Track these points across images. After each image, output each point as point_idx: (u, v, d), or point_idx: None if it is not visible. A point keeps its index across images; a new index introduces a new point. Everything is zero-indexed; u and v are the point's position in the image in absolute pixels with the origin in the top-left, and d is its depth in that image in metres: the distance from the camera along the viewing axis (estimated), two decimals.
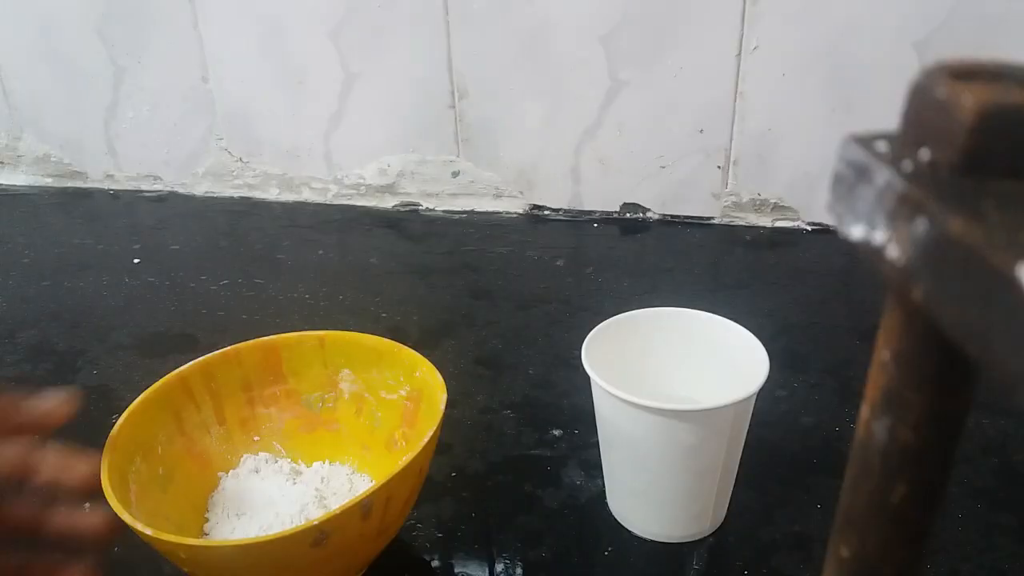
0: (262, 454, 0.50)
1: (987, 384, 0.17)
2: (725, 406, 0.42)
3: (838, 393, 0.58)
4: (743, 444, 0.46)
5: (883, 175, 0.16)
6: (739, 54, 0.77)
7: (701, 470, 0.44)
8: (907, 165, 0.16)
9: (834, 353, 0.63)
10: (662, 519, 0.47)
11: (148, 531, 0.37)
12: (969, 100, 0.15)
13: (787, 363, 0.62)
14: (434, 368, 0.46)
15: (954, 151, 0.16)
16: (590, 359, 0.45)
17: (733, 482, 0.47)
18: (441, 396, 0.44)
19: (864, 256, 0.17)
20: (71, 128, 0.97)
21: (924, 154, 0.16)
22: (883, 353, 0.18)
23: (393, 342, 0.49)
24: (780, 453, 0.53)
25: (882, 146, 0.17)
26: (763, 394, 0.58)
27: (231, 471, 0.49)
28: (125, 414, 0.43)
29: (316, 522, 0.36)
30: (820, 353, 0.63)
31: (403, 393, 0.49)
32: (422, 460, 0.41)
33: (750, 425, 0.51)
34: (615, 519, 0.48)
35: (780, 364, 0.62)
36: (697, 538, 0.47)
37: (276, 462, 0.50)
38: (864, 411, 0.19)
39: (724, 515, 0.48)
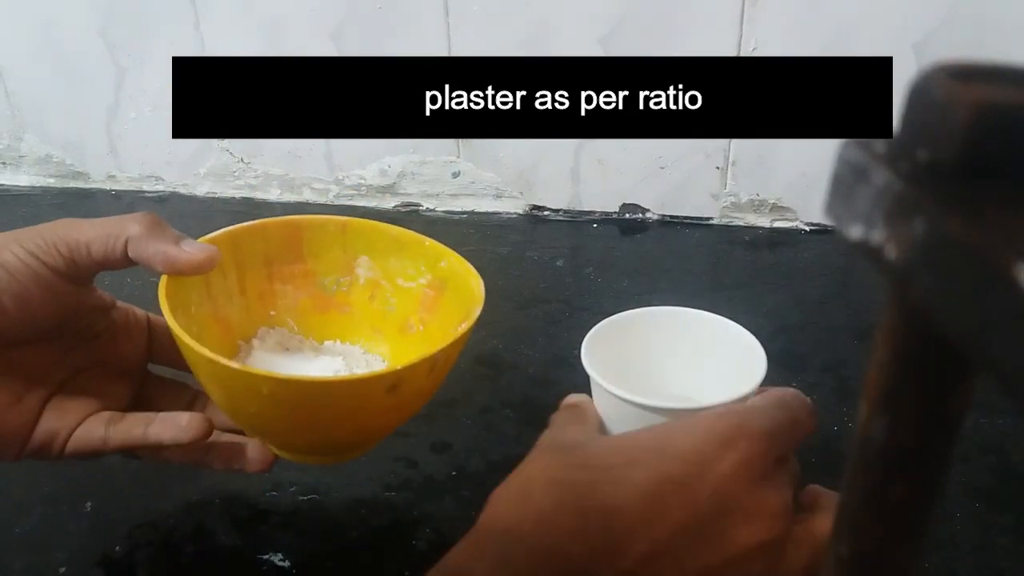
0: (278, 328, 0.51)
1: (986, 384, 0.17)
2: (723, 404, 0.42)
3: (836, 393, 0.58)
4: None
5: (881, 175, 0.16)
6: (738, 55, 0.77)
7: None
8: (905, 165, 0.16)
9: (832, 353, 0.63)
10: None
11: (235, 364, 0.38)
12: (967, 100, 0.15)
13: (785, 363, 0.62)
14: (464, 260, 0.48)
15: (952, 151, 0.16)
16: (590, 358, 0.45)
17: None
18: (476, 283, 0.46)
19: (862, 256, 0.17)
20: (73, 129, 0.97)
21: (922, 154, 0.16)
22: (881, 353, 0.19)
23: (419, 235, 0.50)
24: None
25: (880, 146, 0.17)
26: None
27: (251, 340, 0.49)
28: (162, 279, 0.43)
29: (397, 368, 0.39)
30: (818, 353, 0.63)
31: (423, 282, 0.50)
32: (467, 333, 0.44)
33: None
34: None
35: (778, 364, 0.62)
36: None
37: (294, 337, 0.51)
38: (862, 411, 0.19)
39: None
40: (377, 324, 0.52)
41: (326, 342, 0.51)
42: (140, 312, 0.48)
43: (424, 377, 0.42)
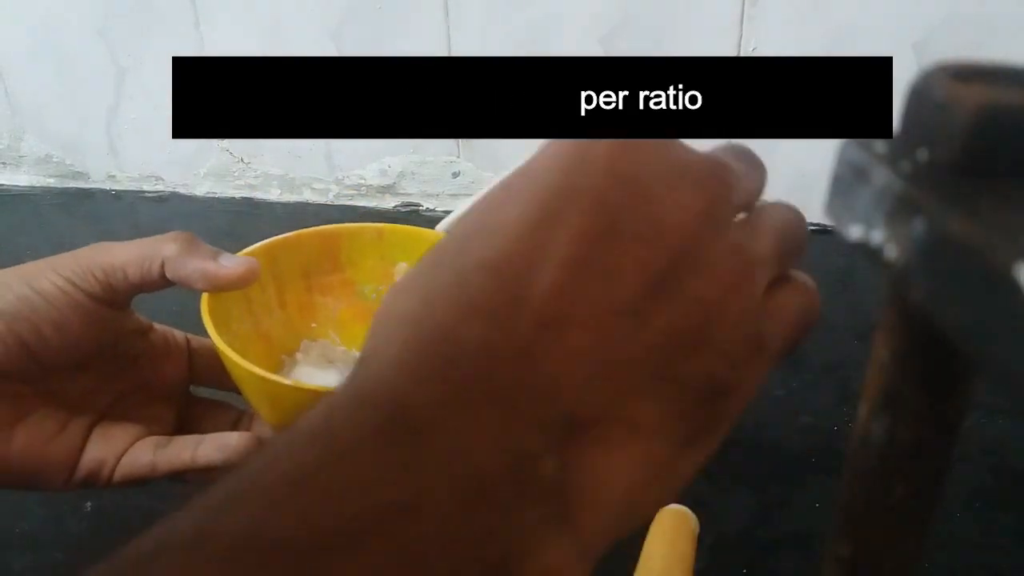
0: (320, 340, 0.50)
1: (986, 383, 0.17)
2: None
3: (836, 393, 0.58)
4: None
5: (881, 175, 0.16)
6: (738, 55, 0.77)
7: None
8: (905, 165, 0.16)
9: (832, 353, 0.63)
10: None
11: (287, 381, 0.38)
12: (968, 101, 0.15)
13: (785, 362, 0.62)
14: None
15: (952, 151, 0.16)
16: None
17: None
18: None
19: (862, 256, 0.17)
20: (73, 129, 0.97)
21: (922, 154, 0.16)
22: (881, 353, 0.19)
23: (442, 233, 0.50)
24: (779, 452, 0.53)
25: (880, 147, 0.17)
26: (762, 393, 0.58)
27: (294, 353, 0.49)
28: (205, 299, 0.43)
29: None
30: (818, 353, 0.63)
31: None
32: None
33: (748, 424, 0.51)
34: None
35: (778, 363, 0.62)
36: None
37: (337, 348, 0.50)
38: (863, 410, 0.19)
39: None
40: None
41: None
42: (179, 334, 0.48)
43: None
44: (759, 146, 0.74)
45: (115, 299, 0.41)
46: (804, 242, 0.31)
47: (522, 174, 0.27)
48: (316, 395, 0.38)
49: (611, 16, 0.78)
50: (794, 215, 0.31)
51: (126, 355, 0.44)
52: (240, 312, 0.46)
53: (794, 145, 0.79)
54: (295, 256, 0.50)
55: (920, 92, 0.16)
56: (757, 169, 0.30)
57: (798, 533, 0.47)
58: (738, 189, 0.27)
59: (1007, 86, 0.16)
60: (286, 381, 0.38)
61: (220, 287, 0.42)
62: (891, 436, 0.19)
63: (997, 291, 0.14)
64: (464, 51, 0.83)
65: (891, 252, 0.16)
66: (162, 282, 0.42)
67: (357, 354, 0.51)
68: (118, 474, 0.41)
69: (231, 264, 0.42)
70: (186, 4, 0.86)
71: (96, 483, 0.41)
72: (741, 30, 0.75)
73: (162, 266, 0.41)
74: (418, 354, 0.21)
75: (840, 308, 0.70)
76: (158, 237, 0.42)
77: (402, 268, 0.51)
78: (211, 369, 0.44)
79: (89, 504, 0.50)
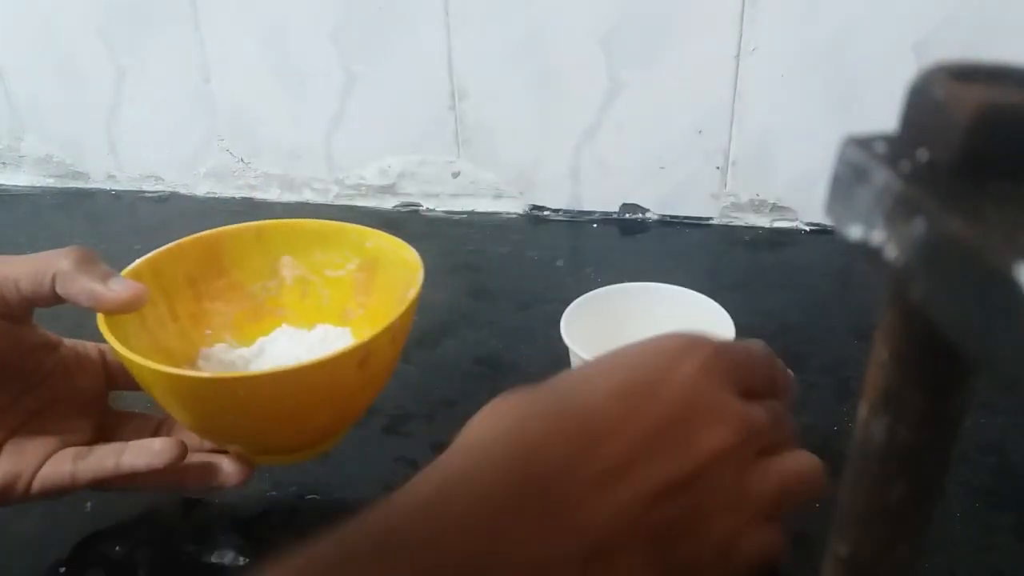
0: (217, 345, 0.50)
1: (986, 384, 0.17)
2: None
3: (836, 393, 0.58)
4: None
5: (881, 175, 0.16)
6: (738, 55, 0.77)
7: None
8: (905, 165, 0.16)
9: (832, 353, 0.63)
10: None
11: (206, 374, 0.39)
12: (967, 101, 0.15)
13: (785, 363, 0.62)
14: (392, 236, 0.48)
15: (952, 151, 0.16)
16: (569, 333, 0.47)
17: None
18: (409, 254, 0.47)
19: (862, 256, 0.17)
20: (73, 129, 0.97)
21: (922, 155, 0.16)
22: (881, 353, 0.19)
23: (338, 223, 0.51)
24: None
25: (880, 147, 0.17)
26: None
27: (195, 363, 0.49)
28: (100, 315, 0.42)
29: (362, 342, 0.40)
30: (819, 353, 0.63)
31: (351, 267, 0.51)
32: (417, 298, 0.45)
33: None
34: None
35: None
36: None
37: (235, 350, 0.50)
38: (862, 411, 0.19)
39: None
40: (314, 319, 0.52)
41: (261, 342, 0.51)
42: (91, 345, 0.47)
43: (388, 347, 0.43)
44: (759, 145, 0.74)
45: (10, 312, 0.40)
46: (816, 489, 0.36)
47: (619, 362, 0.34)
48: (222, 382, 0.39)
49: (611, 16, 0.78)
50: (808, 466, 0.35)
51: (36, 371, 0.44)
52: (136, 329, 0.45)
53: (795, 144, 0.79)
54: (179, 266, 0.50)
55: (920, 92, 0.16)
56: (785, 425, 0.35)
57: (798, 533, 0.47)
58: (764, 438, 0.33)
59: (1007, 86, 0.16)
60: (205, 374, 0.38)
61: (106, 310, 0.41)
62: (891, 436, 0.19)
63: (997, 291, 0.14)
64: (464, 51, 0.83)
65: (891, 252, 0.16)
66: (53, 298, 0.41)
67: (253, 348, 0.50)
68: (36, 486, 0.41)
69: (119, 288, 0.41)
70: (186, 4, 0.86)
71: (12, 498, 0.41)
72: (741, 30, 0.75)
73: (53, 280, 0.40)
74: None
75: (840, 308, 0.70)
76: (56, 251, 0.41)
77: (287, 261, 0.52)
78: (128, 378, 0.44)
79: (89, 504, 0.50)
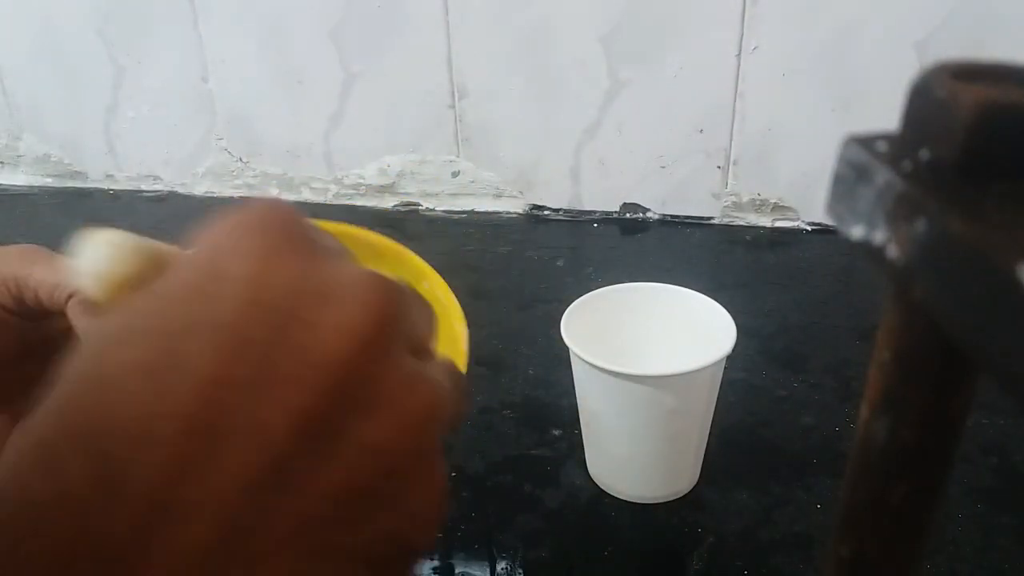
0: None
1: (986, 384, 0.17)
2: (700, 370, 0.44)
3: (838, 393, 0.58)
4: (714, 408, 0.49)
5: (883, 175, 0.16)
6: (739, 54, 0.77)
7: (678, 433, 0.47)
8: (907, 165, 0.16)
9: (834, 353, 0.63)
10: (643, 481, 0.49)
11: None
12: (969, 100, 0.15)
13: (787, 363, 0.62)
14: (446, 285, 0.42)
15: (954, 151, 0.16)
16: (569, 334, 0.47)
17: (706, 443, 0.50)
18: (460, 325, 0.41)
19: (864, 256, 0.17)
20: (71, 128, 0.97)
21: (924, 154, 0.16)
22: (883, 353, 0.18)
23: (398, 245, 0.45)
24: (780, 453, 0.53)
25: (882, 146, 0.17)
26: (763, 394, 0.58)
27: None
28: None
29: None
30: (820, 353, 0.63)
31: None
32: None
33: (750, 424, 0.51)
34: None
35: (780, 364, 0.62)
36: (676, 497, 0.50)
37: None
38: (864, 411, 0.19)
39: (699, 474, 0.51)
40: None
41: None
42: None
43: None
44: (761, 145, 0.74)
45: (27, 314, 0.40)
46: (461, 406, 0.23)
47: (149, 297, 0.20)
48: None
49: (611, 16, 0.78)
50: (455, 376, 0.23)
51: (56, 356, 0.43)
52: None
53: (796, 144, 0.79)
54: None
55: (921, 91, 0.16)
56: (427, 308, 0.24)
57: (798, 533, 0.47)
58: (408, 317, 0.21)
59: (1009, 85, 0.16)
60: None
61: None
62: (892, 436, 0.19)
63: (999, 291, 0.13)
64: (464, 51, 0.82)
65: (893, 252, 0.16)
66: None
67: None
68: None
69: None
70: (185, 4, 0.86)
71: None
72: (742, 30, 0.75)
73: (68, 299, 0.39)
74: None
75: (841, 308, 0.70)
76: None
77: None
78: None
79: None
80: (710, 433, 0.55)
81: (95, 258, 0.23)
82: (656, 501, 0.49)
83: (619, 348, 0.50)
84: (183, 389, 0.17)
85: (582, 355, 0.45)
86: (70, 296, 0.39)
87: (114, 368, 0.18)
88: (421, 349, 0.22)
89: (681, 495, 0.50)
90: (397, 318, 0.20)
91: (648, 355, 0.51)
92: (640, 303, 0.52)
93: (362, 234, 0.46)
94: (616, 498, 0.50)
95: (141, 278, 0.23)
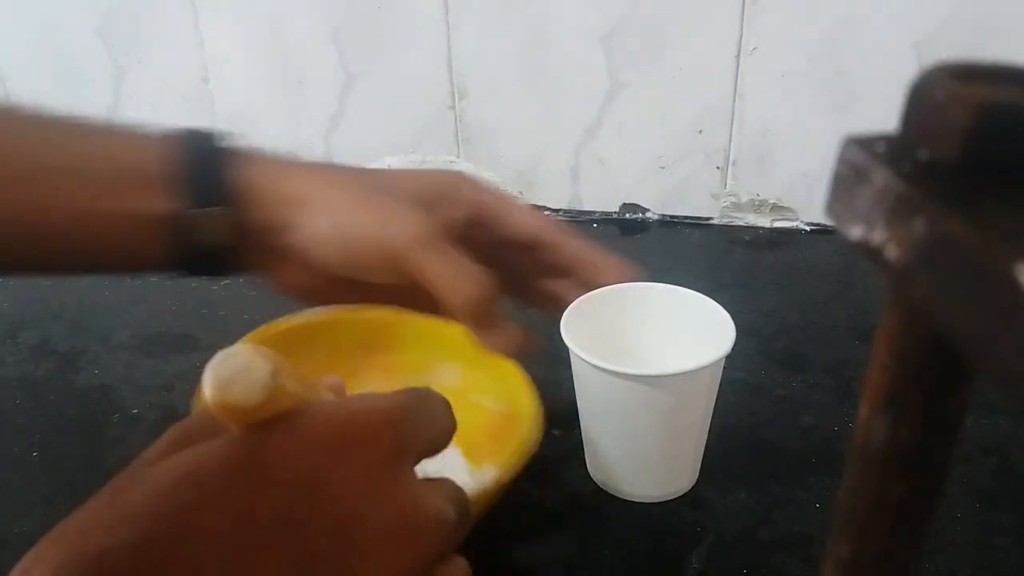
0: None
1: (986, 384, 0.17)
2: (699, 369, 0.44)
3: (837, 393, 0.58)
4: (714, 405, 0.49)
5: (882, 175, 0.16)
6: (738, 55, 0.77)
7: (679, 431, 0.47)
8: (906, 165, 0.16)
9: (833, 353, 0.63)
10: (643, 480, 0.49)
11: None
12: (968, 101, 0.15)
13: (786, 363, 0.62)
14: (532, 391, 0.46)
15: (953, 151, 0.16)
16: (569, 334, 0.47)
17: (705, 441, 0.50)
18: (532, 426, 0.43)
19: (863, 256, 0.17)
20: None
21: (923, 155, 0.16)
22: (882, 353, 0.19)
23: (502, 358, 0.48)
24: (780, 453, 0.53)
25: (881, 146, 0.17)
26: (763, 394, 0.58)
27: None
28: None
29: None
30: (819, 353, 0.63)
31: (501, 407, 0.48)
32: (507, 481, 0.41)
33: (749, 424, 0.51)
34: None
35: (779, 364, 0.62)
36: (676, 496, 0.50)
37: None
38: (863, 411, 0.19)
39: (698, 473, 0.51)
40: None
41: None
42: None
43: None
44: (760, 145, 0.74)
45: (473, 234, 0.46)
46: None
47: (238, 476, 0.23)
48: None
49: (611, 16, 0.78)
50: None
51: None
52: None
53: (795, 145, 0.79)
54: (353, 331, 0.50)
55: (920, 92, 0.16)
56: (444, 424, 0.29)
57: (798, 533, 0.47)
58: (449, 547, 0.27)
59: (1008, 86, 0.16)
60: None
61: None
62: (892, 436, 0.19)
63: (997, 291, 0.14)
64: (464, 51, 0.82)
65: (892, 252, 0.16)
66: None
67: None
68: None
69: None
70: (186, 4, 0.86)
71: None
72: (741, 30, 0.75)
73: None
74: None
75: (840, 308, 0.70)
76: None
77: (454, 368, 0.51)
78: None
79: None
80: (710, 432, 0.55)
81: (234, 381, 0.23)
82: (656, 500, 0.49)
83: (619, 348, 0.50)
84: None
85: (582, 355, 0.45)
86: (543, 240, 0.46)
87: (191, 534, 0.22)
88: (424, 460, 0.26)
89: (681, 494, 0.50)
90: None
91: (648, 355, 0.51)
92: (639, 303, 0.52)
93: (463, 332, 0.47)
94: (616, 498, 0.50)
95: (255, 413, 0.24)
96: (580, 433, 0.55)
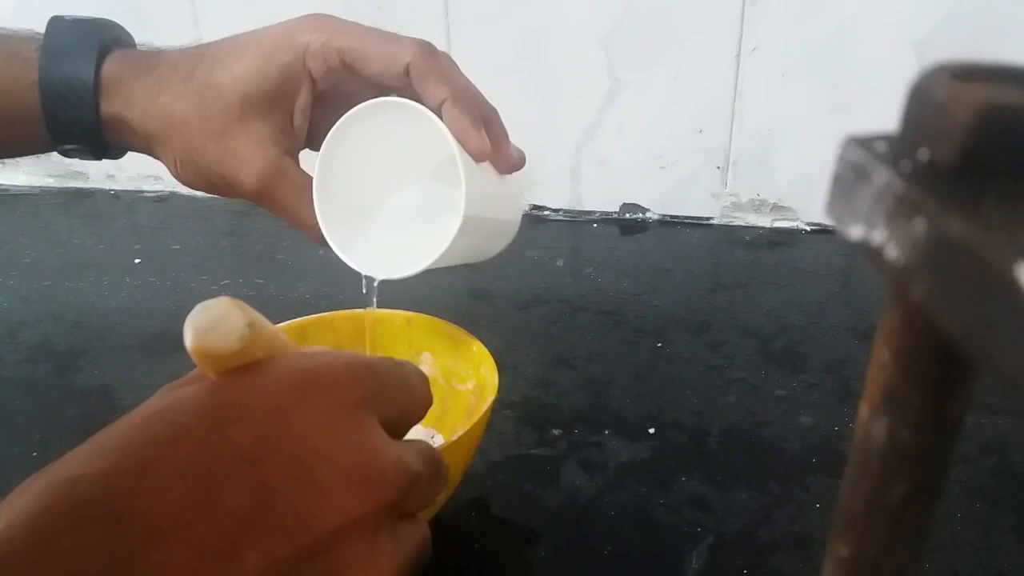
0: None
1: (986, 384, 0.17)
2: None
3: (837, 393, 0.58)
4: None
5: (882, 175, 0.16)
6: (738, 55, 0.77)
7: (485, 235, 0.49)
8: (906, 165, 0.16)
9: (833, 353, 0.63)
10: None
11: None
12: (968, 100, 0.15)
13: (786, 362, 0.62)
14: (494, 367, 0.47)
15: (953, 151, 0.16)
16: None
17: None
18: (489, 398, 0.45)
19: (863, 256, 0.17)
20: None
21: (923, 154, 0.16)
22: (882, 353, 0.19)
23: (469, 335, 0.50)
24: (779, 452, 0.53)
25: (881, 146, 0.17)
26: (762, 393, 0.58)
27: None
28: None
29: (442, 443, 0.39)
30: (819, 353, 0.63)
31: (470, 386, 0.50)
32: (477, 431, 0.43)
33: (749, 423, 0.50)
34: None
35: (779, 364, 0.62)
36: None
37: None
38: (863, 411, 0.19)
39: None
40: (435, 425, 0.51)
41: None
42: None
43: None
44: (760, 145, 0.74)
45: (335, 75, 0.47)
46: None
47: (212, 416, 0.25)
48: None
49: (611, 16, 0.78)
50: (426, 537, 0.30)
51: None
52: None
53: (795, 145, 0.79)
54: (328, 336, 0.50)
55: (920, 92, 0.16)
56: (414, 391, 0.30)
57: (798, 533, 0.47)
58: (410, 499, 0.27)
59: (1008, 86, 0.16)
60: None
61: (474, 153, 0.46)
62: (891, 436, 0.19)
63: (997, 291, 0.14)
64: (464, 51, 0.82)
65: (892, 252, 0.16)
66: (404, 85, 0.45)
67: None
68: None
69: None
70: (185, 4, 0.86)
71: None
72: (741, 30, 0.75)
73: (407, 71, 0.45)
74: None
75: (840, 308, 0.70)
76: (401, 38, 0.47)
77: (426, 358, 0.52)
78: None
79: None
80: (709, 432, 0.55)
81: (212, 328, 0.25)
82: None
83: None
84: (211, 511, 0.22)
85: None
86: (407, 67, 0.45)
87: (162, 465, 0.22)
88: (396, 429, 0.27)
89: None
90: (393, 503, 0.25)
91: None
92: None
93: (443, 325, 0.51)
94: (616, 498, 0.50)
95: (231, 360, 0.25)
96: (579, 433, 0.55)
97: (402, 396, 0.28)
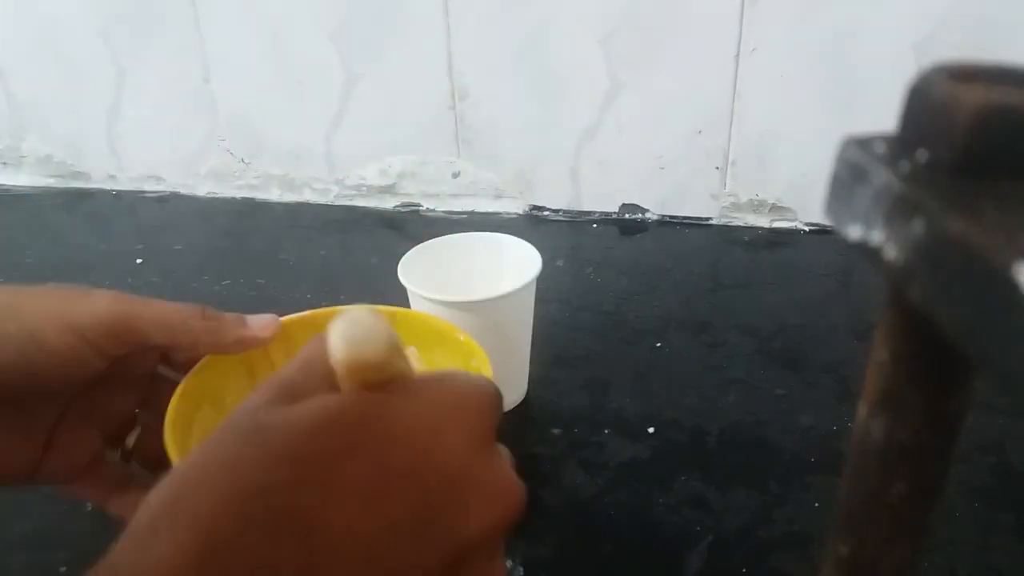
0: None
1: (986, 384, 0.17)
2: (511, 293, 0.53)
3: (836, 392, 0.58)
4: (531, 328, 0.57)
5: (881, 176, 0.17)
6: (737, 55, 0.77)
7: (503, 347, 0.53)
8: (905, 166, 0.16)
9: (832, 353, 0.63)
10: None
11: None
12: (967, 101, 0.15)
13: (785, 362, 0.62)
14: (487, 361, 0.47)
15: (952, 152, 0.16)
16: (406, 276, 0.54)
17: (529, 360, 0.58)
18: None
19: (861, 256, 0.17)
20: (73, 129, 0.97)
21: (922, 155, 0.16)
22: (881, 353, 0.19)
23: (454, 326, 0.51)
24: (778, 452, 0.53)
25: (880, 147, 0.17)
26: (761, 393, 0.58)
27: None
28: (200, 364, 0.43)
29: None
30: (818, 353, 0.63)
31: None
32: None
33: (748, 423, 0.50)
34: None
35: (778, 364, 0.62)
36: (509, 409, 0.55)
37: None
38: (862, 410, 0.19)
39: (526, 389, 0.59)
40: None
41: None
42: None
43: None
44: (759, 145, 0.74)
45: (118, 350, 0.40)
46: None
47: (377, 430, 0.26)
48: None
49: (611, 16, 0.78)
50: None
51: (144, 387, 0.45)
52: (240, 386, 0.45)
53: (794, 145, 0.79)
54: (310, 334, 0.49)
55: (920, 92, 0.16)
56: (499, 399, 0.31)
57: (797, 532, 0.47)
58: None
59: (1007, 86, 0.16)
60: None
61: (249, 346, 0.44)
62: (890, 436, 0.19)
63: (996, 291, 0.14)
64: (464, 52, 0.83)
65: (890, 252, 0.16)
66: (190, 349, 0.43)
67: None
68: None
69: (263, 323, 0.44)
70: (186, 4, 0.86)
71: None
72: (741, 31, 0.75)
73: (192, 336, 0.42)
74: None
75: (840, 308, 0.70)
76: (180, 308, 0.42)
77: (412, 353, 0.51)
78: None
79: (89, 504, 0.50)
80: (708, 432, 0.55)
81: (366, 341, 0.26)
82: None
83: (449, 285, 0.57)
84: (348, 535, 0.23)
85: (418, 291, 0.52)
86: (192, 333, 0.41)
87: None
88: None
89: (513, 407, 0.57)
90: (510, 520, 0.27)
91: (474, 289, 0.57)
92: (463, 250, 0.59)
93: (429, 319, 0.52)
94: (616, 497, 0.50)
95: (377, 372, 0.26)
96: (579, 432, 0.55)
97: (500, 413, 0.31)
